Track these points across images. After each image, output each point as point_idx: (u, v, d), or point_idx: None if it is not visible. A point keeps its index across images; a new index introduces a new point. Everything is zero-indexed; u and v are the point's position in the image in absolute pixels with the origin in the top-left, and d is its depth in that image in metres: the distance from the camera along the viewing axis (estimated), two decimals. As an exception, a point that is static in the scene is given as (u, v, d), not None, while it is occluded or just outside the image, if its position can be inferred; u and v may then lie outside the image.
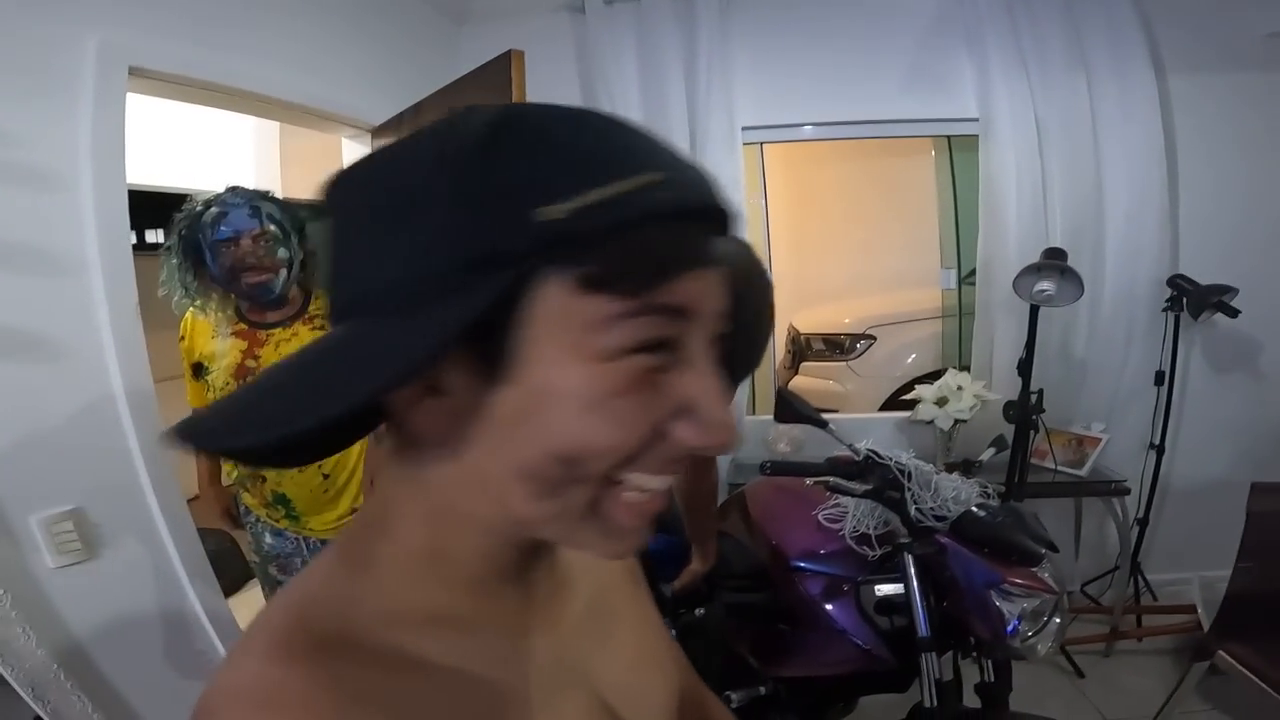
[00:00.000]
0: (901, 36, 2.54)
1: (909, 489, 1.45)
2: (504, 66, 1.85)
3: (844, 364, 3.42)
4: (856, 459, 1.57)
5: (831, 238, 3.22)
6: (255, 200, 1.60)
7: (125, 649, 1.52)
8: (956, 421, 2.30)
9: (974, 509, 1.44)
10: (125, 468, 1.55)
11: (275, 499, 1.73)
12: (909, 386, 3.11)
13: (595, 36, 2.67)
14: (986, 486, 1.52)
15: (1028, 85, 2.32)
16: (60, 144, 1.45)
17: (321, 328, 1.69)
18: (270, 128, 3.16)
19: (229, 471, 1.81)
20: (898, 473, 1.49)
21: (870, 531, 1.56)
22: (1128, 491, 2.28)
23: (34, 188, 1.40)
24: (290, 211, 1.67)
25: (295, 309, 1.71)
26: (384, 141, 1.88)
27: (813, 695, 1.63)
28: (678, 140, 2.54)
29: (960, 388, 2.30)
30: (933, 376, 2.89)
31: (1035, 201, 2.32)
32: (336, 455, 1.61)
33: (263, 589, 1.92)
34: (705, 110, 2.55)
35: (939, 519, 1.43)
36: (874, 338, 3.41)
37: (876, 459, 1.53)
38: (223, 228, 1.56)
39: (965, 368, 2.51)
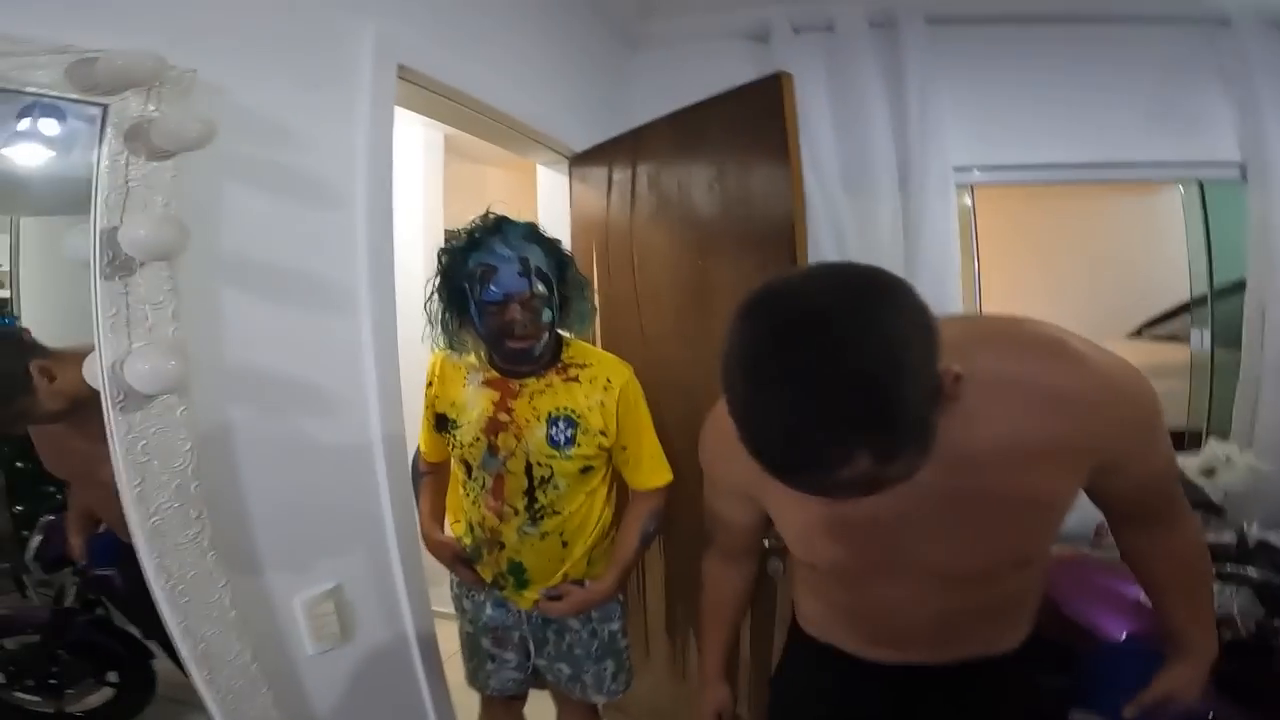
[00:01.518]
0: (1138, 72, 2.25)
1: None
2: (770, 90, 1.61)
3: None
4: (1236, 544, 1.47)
5: (1027, 286, 2.90)
6: (523, 250, 1.35)
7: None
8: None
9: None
10: (378, 538, 1.32)
11: (510, 568, 1.48)
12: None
13: (781, 66, 2.40)
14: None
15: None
16: (335, 149, 1.25)
17: (575, 379, 1.44)
18: (436, 150, 2.98)
19: (460, 538, 1.56)
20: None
21: (1233, 613, 1.39)
22: None
23: (311, 202, 1.20)
24: (555, 255, 1.42)
25: (548, 357, 1.46)
26: (581, 171, 1.54)
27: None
28: (883, 182, 2.26)
29: (1229, 458, 1.95)
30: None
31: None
32: (578, 522, 1.42)
33: (466, 663, 1.64)
34: (916, 149, 2.27)
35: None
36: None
37: (1269, 545, 1.38)
38: (492, 288, 1.32)
39: (1218, 433, 2.16)
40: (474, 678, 1.63)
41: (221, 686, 1.00)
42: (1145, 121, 2.22)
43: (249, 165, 1.08)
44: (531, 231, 1.39)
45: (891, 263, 2.20)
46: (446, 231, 2.84)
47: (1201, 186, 2.28)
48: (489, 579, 1.53)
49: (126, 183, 0.87)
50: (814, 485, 0.63)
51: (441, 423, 1.49)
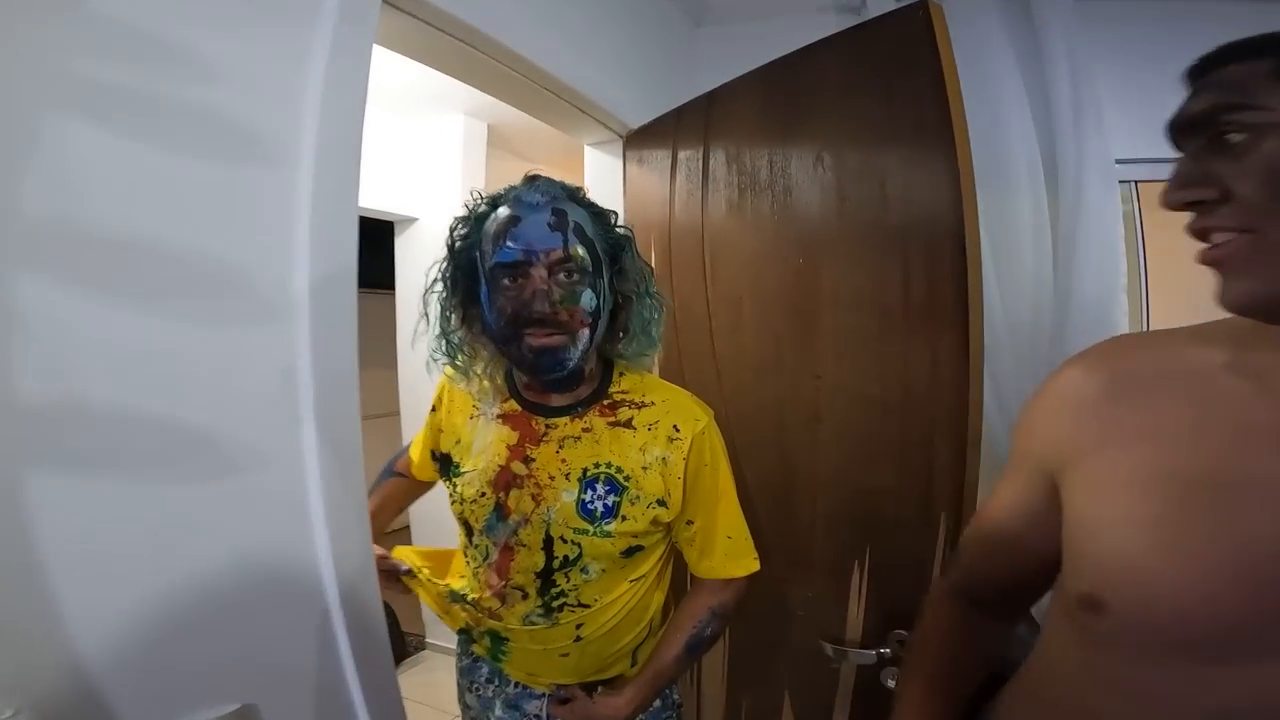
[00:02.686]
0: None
1: None
2: (911, 25, 1.10)
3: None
4: None
5: (1205, 303, 2.33)
6: (560, 200, 0.90)
7: None
8: None
9: None
10: (322, 639, 0.85)
11: (492, 638, 1.04)
12: None
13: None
14: None
15: None
16: (273, 88, 0.81)
17: (627, 423, 0.96)
18: (478, 143, 2.59)
19: (419, 568, 1.12)
20: None
21: None
22: None
23: (223, 157, 0.74)
24: (604, 225, 0.96)
25: (591, 388, 0.98)
26: (638, 151, 1.04)
27: None
28: (1023, 177, 1.76)
29: None
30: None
31: None
32: (613, 616, 0.99)
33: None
34: (1067, 138, 1.74)
35: None
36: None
37: None
38: (509, 244, 0.86)
39: None
40: None
41: None
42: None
43: (109, 98, 0.64)
44: (575, 190, 0.95)
45: (1038, 270, 1.68)
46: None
47: None
48: (458, 626, 1.09)
49: None
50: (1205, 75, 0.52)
51: (444, 466, 1.04)
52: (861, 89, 1.17)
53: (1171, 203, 0.52)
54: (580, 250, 0.88)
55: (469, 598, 1.04)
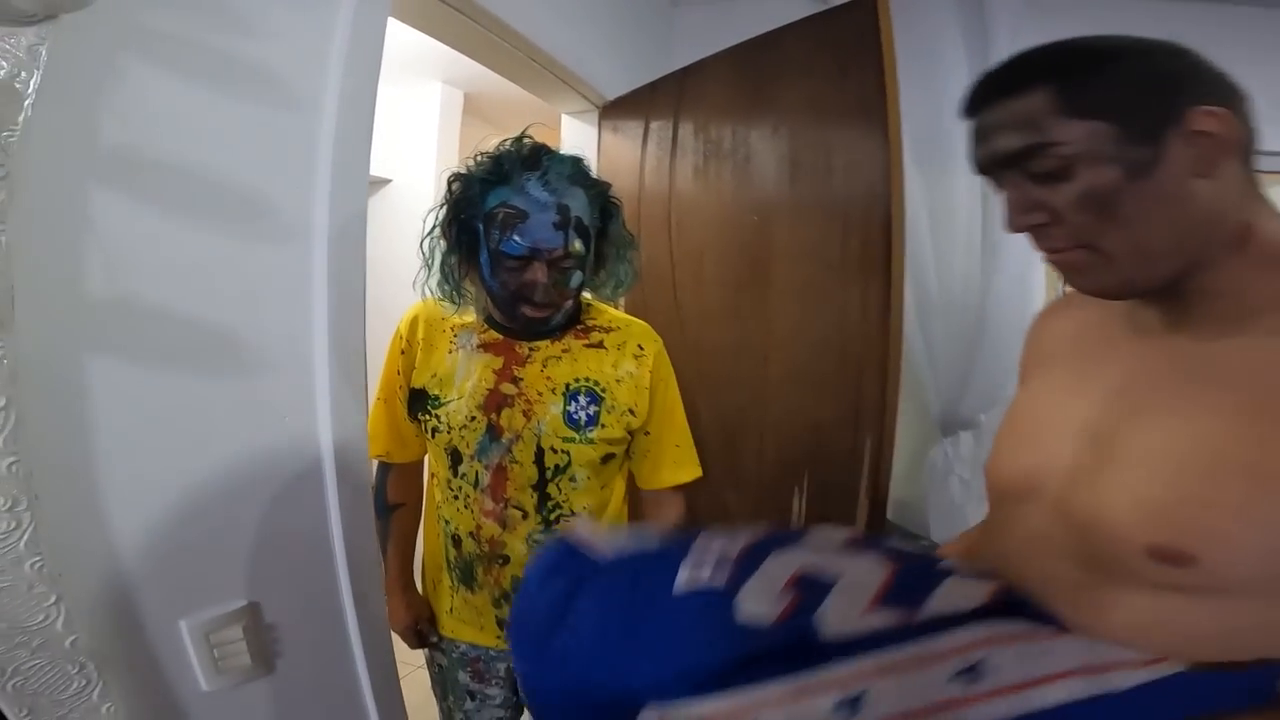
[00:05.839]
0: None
1: None
2: (860, 18, 1.23)
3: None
4: None
5: None
6: (565, 195, 0.99)
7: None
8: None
9: None
10: (317, 543, 0.96)
11: (515, 587, 1.12)
12: None
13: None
14: None
15: None
16: (301, 42, 0.90)
17: (599, 345, 1.10)
18: (455, 111, 2.64)
19: (435, 579, 1.21)
20: None
21: None
22: None
23: (256, 99, 0.84)
24: (601, 201, 1.07)
25: (566, 315, 1.11)
26: (613, 121, 1.13)
27: None
28: (963, 157, 1.88)
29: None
30: None
31: None
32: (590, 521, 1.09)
33: (440, 703, 1.27)
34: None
35: None
36: None
37: None
38: (515, 239, 0.96)
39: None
40: None
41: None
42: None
43: (169, 45, 0.73)
44: (577, 171, 1.03)
45: (969, 243, 1.83)
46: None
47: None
48: (464, 623, 1.16)
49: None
50: (983, 111, 0.57)
51: (418, 402, 1.12)
52: (819, 70, 1.30)
53: (1014, 227, 0.57)
54: (578, 245, 0.99)
55: (459, 531, 1.12)
